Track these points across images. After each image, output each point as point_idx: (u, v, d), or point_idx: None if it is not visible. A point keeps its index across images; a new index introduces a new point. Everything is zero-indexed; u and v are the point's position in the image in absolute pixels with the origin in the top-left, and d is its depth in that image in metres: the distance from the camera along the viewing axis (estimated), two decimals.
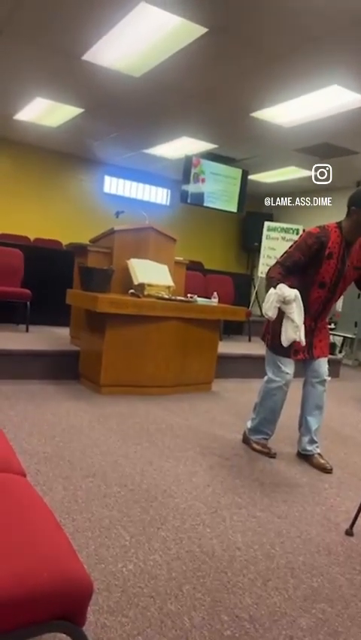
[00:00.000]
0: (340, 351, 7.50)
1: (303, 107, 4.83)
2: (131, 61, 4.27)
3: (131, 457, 2.67)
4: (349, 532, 2.10)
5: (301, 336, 2.53)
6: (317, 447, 2.91)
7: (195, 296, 4.45)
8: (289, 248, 2.70)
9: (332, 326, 7.25)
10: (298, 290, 2.58)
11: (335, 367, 6.00)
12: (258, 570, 1.77)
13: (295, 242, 2.70)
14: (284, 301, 2.49)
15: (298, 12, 3.26)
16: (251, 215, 9.01)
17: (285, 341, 2.56)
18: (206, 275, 6.69)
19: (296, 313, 2.51)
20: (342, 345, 7.58)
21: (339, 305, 7.26)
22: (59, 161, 7.90)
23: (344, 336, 7.38)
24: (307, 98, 4.63)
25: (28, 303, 4.94)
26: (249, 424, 3.05)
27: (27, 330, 4.96)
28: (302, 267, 2.66)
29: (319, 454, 2.89)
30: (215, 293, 4.75)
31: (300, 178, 7.73)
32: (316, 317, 2.79)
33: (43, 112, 5.96)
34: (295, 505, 2.33)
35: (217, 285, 6.13)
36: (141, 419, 3.35)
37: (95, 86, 4.94)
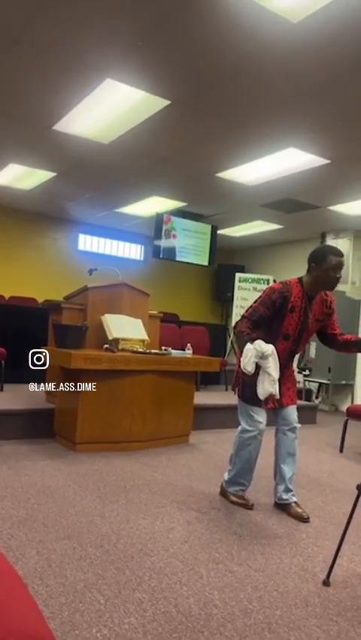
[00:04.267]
0: (316, 397, 7.59)
1: (264, 167, 5.14)
2: (100, 130, 4.52)
3: (107, 515, 2.64)
4: (326, 583, 2.09)
5: (276, 388, 2.63)
6: (293, 495, 2.92)
7: (170, 348, 4.52)
8: (254, 302, 2.82)
9: (307, 372, 7.37)
10: (264, 342, 2.69)
11: (311, 413, 6.05)
12: (235, 627, 1.75)
13: (260, 297, 2.82)
14: (262, 356, 2.60)
15: (253, 84, 3.56)
16: (223, 267, 9.29)
17: (261, 394, 2.66)
18: (181, 326, 6.80)
19: (273, 367, 2.62)
20: (318, 390, 7.67)
21: (313, 352, 7.41)
22: (33, 221, 8.10)
23: (320, 382, 7.49)
24: (266, 160, 4.94)
25: (2, 361, 4.93)
26: (226, 476, 3.05)
27: (1, 389, 4.92)
28: (267, 320, 2.77)
29: (295, 502, 2.90)
30: (189, 344, 4.83)
31: (267, 231, 8.07)
32: (283, 367, 2.88)
33: (17, 177, 6.17)
34: (273, 557, 2.32)
35: (192, 336, 6.23)
36: (118, 476, 3.32)
37: (66, 153, 5.19)
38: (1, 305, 5.73)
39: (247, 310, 2.81)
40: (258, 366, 2.63)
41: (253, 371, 2.60)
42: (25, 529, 2.39)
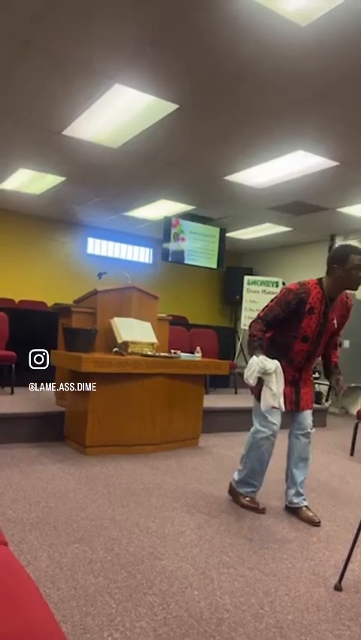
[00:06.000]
0: (326, 400, 7.54)
1: (272, 170, 5.14)
2: (109, 135, 4.55)
3: (118, 519, 2.64)
4: (337, 587, 2.08)
5: (280, 402, 2.67)
6: (304, 499, 2.90)
7: (179, 351, 4.52)
8: (270, 302, 2.80)
9: (317, 375, 7.32)
10: (282, 342, 2.72)
11: (321, 416, 6.03)
12: (246, 632, 1.74)
13: (276, 296, 2.80)
14: (265, 372, 2.64)
15: (261, 87, 3.57)
16: (232, 270, 9.29)
17: (264, 406, 2.71)
18: (190, 329, 6.80)
19: (275, 383, 2.66)
20: (328, 393, 7.63)
21: None
22: (43, 225, 8.15)
23: (329, 385, 7.44)
24: (275, 162, 4.94)
25: (13, 365, 4.96)
26: (236, 476, 3.02)
27: (12, 393, 4.95)
28: (283, 321, 2.76)
29: (306, 506, 2.89)
30: (198, 347, 4.83)
31: (276, 233, 8.05)
32: (300, 368, 2.87)
33: (27, 181, 6.23)
34: (284, 562, 2.31)
35: (201, 339, 6.23)
36: (128, 479, 3.32)
37: (75, 157, 5.23)
38: (11, 309, 5.76)
39: (262, 310, 2.80)
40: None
41: (254, 384, 2.67)
42: (36, 532, 2.40)
